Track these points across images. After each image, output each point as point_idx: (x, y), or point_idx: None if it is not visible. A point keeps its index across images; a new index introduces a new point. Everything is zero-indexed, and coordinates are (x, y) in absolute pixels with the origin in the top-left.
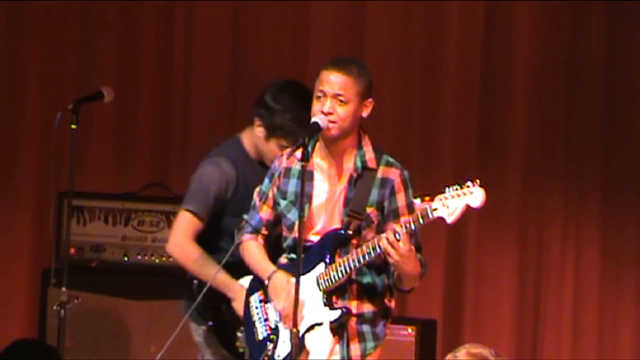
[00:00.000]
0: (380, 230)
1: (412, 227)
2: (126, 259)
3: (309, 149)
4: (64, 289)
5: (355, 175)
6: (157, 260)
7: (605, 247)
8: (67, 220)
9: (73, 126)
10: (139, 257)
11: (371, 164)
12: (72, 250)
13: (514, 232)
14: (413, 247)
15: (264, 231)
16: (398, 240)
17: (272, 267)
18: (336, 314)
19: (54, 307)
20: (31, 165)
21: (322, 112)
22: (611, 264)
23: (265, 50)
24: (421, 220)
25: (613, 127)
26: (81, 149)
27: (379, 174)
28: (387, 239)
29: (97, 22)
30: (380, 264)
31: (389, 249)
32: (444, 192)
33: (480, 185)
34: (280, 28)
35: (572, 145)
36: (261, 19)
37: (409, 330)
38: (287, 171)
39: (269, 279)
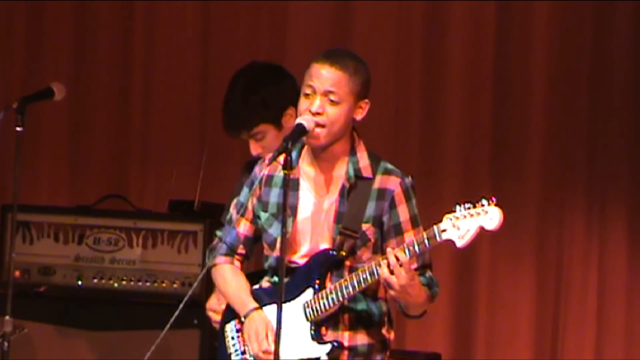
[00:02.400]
0: (377, 249)
1: (417, 250)
2: (80, 282)
3: (293, 155)
4: (7, 317)
5: (347, 185)
6: (115, 285)
7: (633, 268)
8: (11, 238)
9: (18, 128)
10: (95, 280)
11: (366, 172)
12: (17, 273)
13: (532, 252)
14: (416, 274)
15: (241, 249)
16: (401, 266)
17: (251, 303)
18: (326, 348)
19: None
20: None
21: (310, 112)
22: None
23: (238, 50)
24: (427, 243)
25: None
26: (30, 155)
27: (376, 184)
28: (388, 266)
29: (48, 16)
30: (376, 289)
31: (390, 278)
32: (454, 211)
33: (497, 205)
34: (255, 26)
35: (595, 155)
36: (233, 17)
37: None
38: (269, 179)
39: (245, 317)
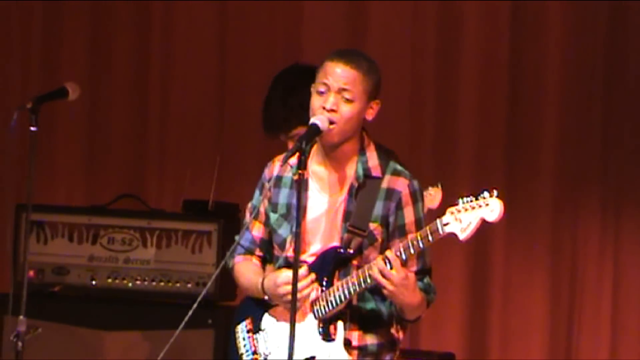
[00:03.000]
0: (384, 249)
1: (420, 245)
2: (94, 282)
3: (303, 157)
4: (21, 317)
5: (356, 184)
6: (129, 285)
7: None
8: (25, 238)
9: (32, 128)
10: (109, 280)
11: (375, 172)
12: (32, 273)
13: (546, 252)
14: (411, 274)
15: (258, 252)
16: (391, 268)
17: (265, 277)
18: (335, 347)
19: (11, 338)
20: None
21: (324, 108)
22: None
23: (255, 52)
24: (430, 237)
25: None
26: (47, 155)
27: (384, 184)
28: (378, 267)
29: (65, 17)
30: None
31: (381, 279)
32: (457, 205)
33: (497, 196)
34: (271, 28)
35: (609, 152)
36: (250, 18)
37: None
38: (279, 180)
39: (263, 291)
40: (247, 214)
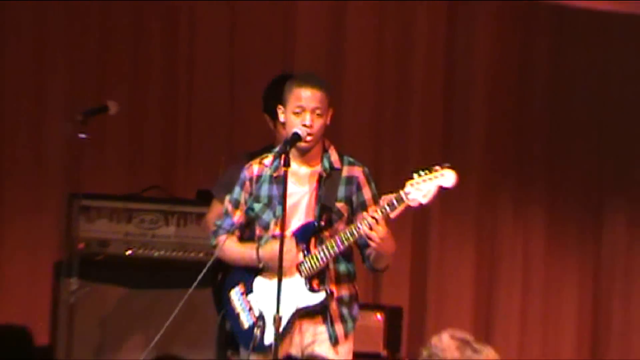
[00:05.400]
0: (350, 222)
1: (388, 209)
2: (128, 252)
3: (284, 158)
4: (74, 279)
5: (324, 175)
6: (155, 254)
7: (550, 242)
8: (75, 219)
9: (82, 135)
10: (140, 251)
11: (337, 164)
12: (81, 245)
13: (472, 229)
14: (389, 230)
15: (237, 233)
16: (378, 224)
17: (254, 249)
18: (321, 296)
19: (66, 295)
20: (55, 169)
21: (305, 125)
22: (554, 259)
23: (258, 54)
24: (396, 204)
25: (558, 132)
26: (97, 153)
27: (344, 173)
28: (368, 224)
29: (112, 33)
30: (349, 253)
31: (370, 234)
32: (413, 178)
33: (450, 167)
34: (270, 32)
35: (521, 150)
36: (253, 23)
37: (378, 316)
38: (259, 178)
39: (259, 259)
40: (228, 205)
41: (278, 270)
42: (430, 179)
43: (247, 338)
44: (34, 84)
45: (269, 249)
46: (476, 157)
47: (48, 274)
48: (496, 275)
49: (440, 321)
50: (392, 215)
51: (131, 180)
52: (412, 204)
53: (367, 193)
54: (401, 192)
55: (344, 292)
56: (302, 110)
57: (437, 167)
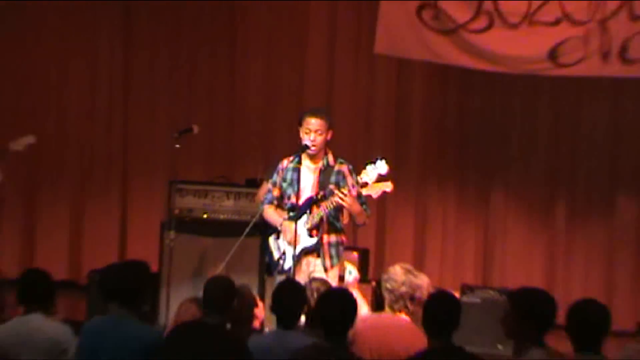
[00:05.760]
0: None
1: (356, 187)
2: (205, 216)
3: (300, 158)
4: (172, 232)
5: (323, 168)
6: (221, 217)
7: (459, 207)
8: (172, 196)
9: (177, 146)
10: (213, 215)
11: (332, 162)
12: (176, 211)
13: (413, 204)
14: (355, 199)
15: (276, 203)
16: (345, 195)
17: (282, 219)
18: (315, 240)
19: (167, 242)
20: (163, 165)
21: (311, 140)
22: (462, 215)
23: (284, 93)
24: (357, 184)
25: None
26: (191, 150)
27: (336, 168)
28: (338, 196)
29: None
30: (338, 215)
31: (341, 201)
32: (366, 169)
33: (382, 159)
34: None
35: (441, 153)
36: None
37: (354, 254)
38: (286, 169)
39: (281, 225)
40: (270, 185)
41: (293, 235)
42: (373, 169)
43: (275, 265)
44: (148, 108)
45: (285, 225)
46: (412, 157)
47: (157, 229)
48: (426, 229)
49: (392, 260)
50: (373, 194)
51: (208, 170)
52: (363, 182)
53: (349, 181)
54: (357, 178)
55: (332, 238)
56: (309, 132)
57: (377, 161)
